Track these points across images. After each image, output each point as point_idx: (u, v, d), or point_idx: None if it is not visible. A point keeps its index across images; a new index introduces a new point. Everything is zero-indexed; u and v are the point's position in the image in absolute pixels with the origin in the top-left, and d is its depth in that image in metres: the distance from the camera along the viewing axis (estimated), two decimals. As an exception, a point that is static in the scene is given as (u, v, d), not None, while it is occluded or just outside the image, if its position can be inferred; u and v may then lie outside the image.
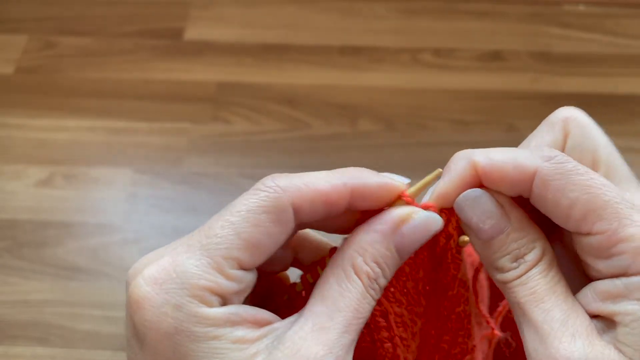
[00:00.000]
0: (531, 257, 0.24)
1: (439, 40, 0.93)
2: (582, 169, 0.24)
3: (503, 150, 0.24)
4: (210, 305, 0.21)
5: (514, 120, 0.84)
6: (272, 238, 0.22)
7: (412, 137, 0.83)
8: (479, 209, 0.24)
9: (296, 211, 0.23)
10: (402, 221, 0.24)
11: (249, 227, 0.22)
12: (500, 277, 0.25)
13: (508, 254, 0.24)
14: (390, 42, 0.92)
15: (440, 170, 0.26)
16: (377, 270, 0.23)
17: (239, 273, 0.22)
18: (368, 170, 0.25)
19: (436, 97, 0.86)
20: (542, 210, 0.24)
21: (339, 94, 0.87)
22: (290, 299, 0.26)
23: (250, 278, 0.23)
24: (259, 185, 0.23)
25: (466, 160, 0.25)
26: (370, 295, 0.23)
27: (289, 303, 0.26)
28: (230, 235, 0.22)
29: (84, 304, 0.69)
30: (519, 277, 0.24)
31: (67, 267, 0.72)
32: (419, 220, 0.24)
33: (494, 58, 0.90)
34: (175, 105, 0.86)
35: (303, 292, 0.26)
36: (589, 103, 0.86)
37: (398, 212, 0.24)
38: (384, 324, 0.25)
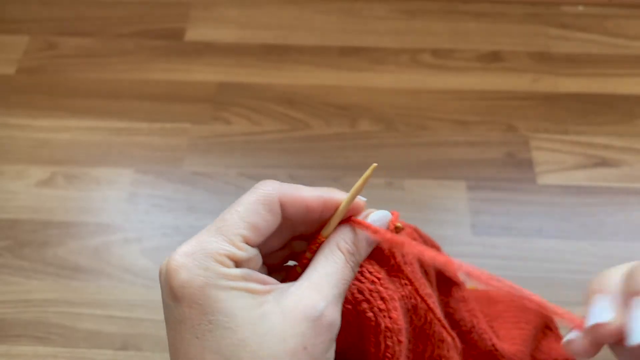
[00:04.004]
0: None
1: (438, 41, 0.93)
2: None
3: None
4: (228, 267, 0.29)
5: (513, 120, 0.84)
6: (267, 223, 0.31)
7: (412, 137, 0.83)
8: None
9: (282, 206, 0.31)
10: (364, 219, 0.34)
11: (250, 214, 0.30)
12: None
13: None
14: (390, 42, 0.93)
15: (376, 164, 0.32)
16: (354, 248, 0.32)
17: (246, 245, 0.30)
18: (338, 190, 0.33)
19: (436, 98, 0.87)
20: None
21: (339, 94, 0.87)
22: (289, 276, 0.35)
23: (254, 252, 0.31)
24: (257, 185, 0.32)
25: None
26: (350, 265, 0.32)
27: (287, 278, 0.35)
28: (237, 220, 0.30)
29: (85, 304, 0.70)
30: None
31: (68, 267, 0.72)
32: (372, 219, 0.34)
33: (494, 58, 0.91)
34: (175, 106, 0.86)
35: (297, 269, 0.34)
36: (589, 103, 0.86)
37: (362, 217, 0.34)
38: (362, 297, 0.33)
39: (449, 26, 0.95)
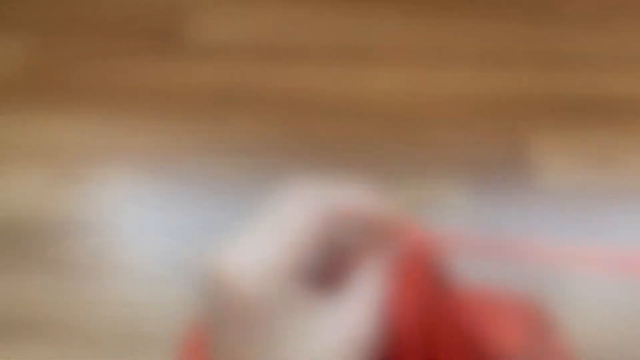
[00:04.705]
0: None
1: (439, 41, 0.93)
2: None
3: None
4: (282, 279, 0.28)
5: (513, 120, 0.84)
6: (317, 235, 0.30)
7: (412, 137, 0.83)
8: None
9: (329, 218, 0.30)
10: None
11: (298, 225, 0.29)
12: None
13: None
14: (390, 42, 0.93)
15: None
16: (392, 269, 0.32)
17: (296, 255, 0.29)
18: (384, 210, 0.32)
19: (436, 98, 0.87)
20: None
21: (339, 94, 0.87)
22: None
23: (302, 261, 0.30)
24: (304, 190, 0.30)
25: None
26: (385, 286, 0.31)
27: None
28: (288, 229, 0.29)
29: (85, 303, 0.70)
30: None
31: (68, 266, 0.72)
32: None
33: (494, 59, 0.91)
34: (175, 106, 0.86)
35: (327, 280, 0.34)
36: (589, 103, 0.86)
37: None
38: None
39: (450, 26, 0.95)
